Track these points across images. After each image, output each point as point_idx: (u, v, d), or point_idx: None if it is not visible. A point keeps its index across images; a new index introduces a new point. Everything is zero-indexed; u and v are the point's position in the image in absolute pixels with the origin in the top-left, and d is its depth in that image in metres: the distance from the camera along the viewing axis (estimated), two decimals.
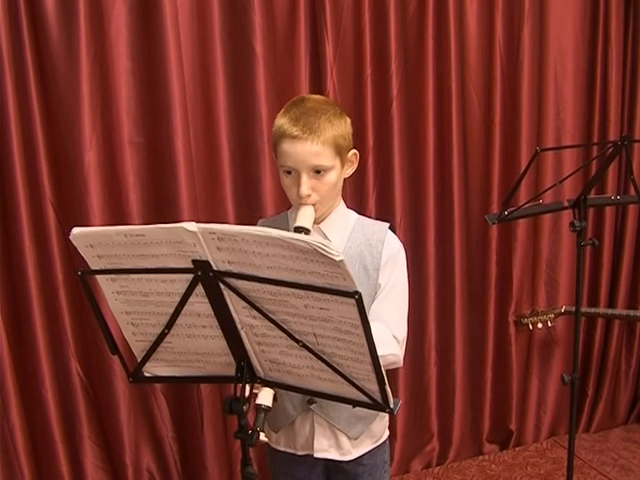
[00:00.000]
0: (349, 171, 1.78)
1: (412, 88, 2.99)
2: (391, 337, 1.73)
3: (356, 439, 1.83)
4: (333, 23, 2.78)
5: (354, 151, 1.77)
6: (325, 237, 1.77)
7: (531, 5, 3.08)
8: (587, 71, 3.28)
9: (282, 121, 1.68)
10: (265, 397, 1.50)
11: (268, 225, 1.81)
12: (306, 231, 1.63)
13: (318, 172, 1.66)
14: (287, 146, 1.65)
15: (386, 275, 1.76)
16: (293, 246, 1.08)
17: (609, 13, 3.20)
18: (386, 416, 1.91)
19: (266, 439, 1.46)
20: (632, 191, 2.45)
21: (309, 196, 1.66)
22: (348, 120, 1.75)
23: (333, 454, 1.83)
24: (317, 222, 1.73)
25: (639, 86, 3.31)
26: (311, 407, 1.78)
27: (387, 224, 1.84)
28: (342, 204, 1.83)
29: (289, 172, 1.68)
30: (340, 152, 1.69)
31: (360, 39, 2.84)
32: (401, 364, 1.79)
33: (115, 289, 1.28)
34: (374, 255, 1.76)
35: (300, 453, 1.85)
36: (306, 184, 1.65)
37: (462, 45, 3.03)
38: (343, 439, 1.82)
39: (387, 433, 1.94)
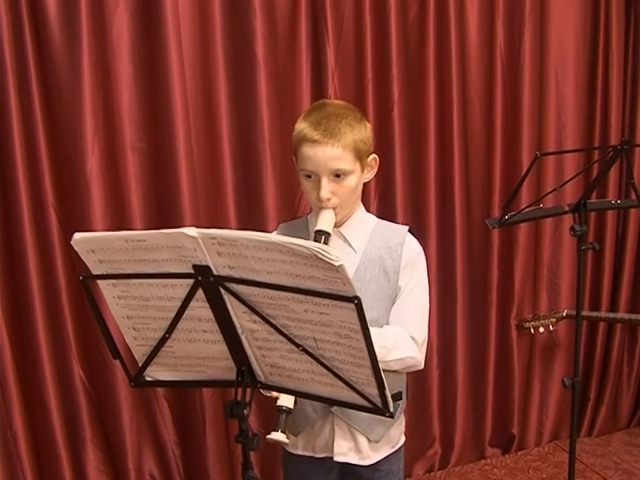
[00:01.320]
0: (369, 176, 1.80)
1: (413, 92, 2.99)
2: (409, 340, 1.73)
3: (377, 442, 1.83)
4: (334, 28, 2.78)
5: (374, 156, 1.78)
6: (345, 240, 1.79)
7: (532, 9, 3.09)
8: (588, 75, 3.28)
9: (302, 125, 1.70)
10: (286, 399, 1.51)
11: (287, 229, 1.85)
12: (327, 235, 1.65)
13: (338, 176, 1.68)
14: (307, 150, 1.67)
15: (406, 278, 1.78)
16: (292, 251, 1.08)
17: (610, 17, 3.20)
18: (403, 421, 1.93)
19: (287, 440, 1.47)
20: (633, 195, 2.45)
21: (329, 200, 1.68)
22: (368, 125, 1.77)
23: (352, 458, 1.84)
24: (337, 226, 1.75)
25: None
26: (332, 410, 1.78)
27: (407, 227, 1.85)
28: (362, 208, 1.85)
29: (309, 176, 1.70)
30: (360, 156, 1.71)
31: (361, 43, 2.85)
32: (421, 366, 1.80)
33: (116, 294, 1.28)
34: (394, 258, 1.77)
35: (319, 456, 1.86)
36: (326, 188, 1.67)
37: (463, 49, 3.04)
38: (363, 443, 1.83)
39: (403, 439, 1.95)
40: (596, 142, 3.30)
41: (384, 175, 2.97)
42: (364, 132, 1.73)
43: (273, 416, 1.58)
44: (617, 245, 3.46)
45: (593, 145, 3.31)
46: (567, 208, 2.45)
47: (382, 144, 2.94)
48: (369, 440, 1.82)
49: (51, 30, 2.44)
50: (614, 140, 3.25)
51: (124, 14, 2.52)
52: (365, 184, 2.86)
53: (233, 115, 2.74)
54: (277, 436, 1.50)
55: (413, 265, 1.80)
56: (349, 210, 1.78)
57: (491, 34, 3.07)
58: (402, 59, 2.92)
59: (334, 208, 1.70)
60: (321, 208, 1.70)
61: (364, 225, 1.84)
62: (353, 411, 1.72)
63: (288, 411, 1.51)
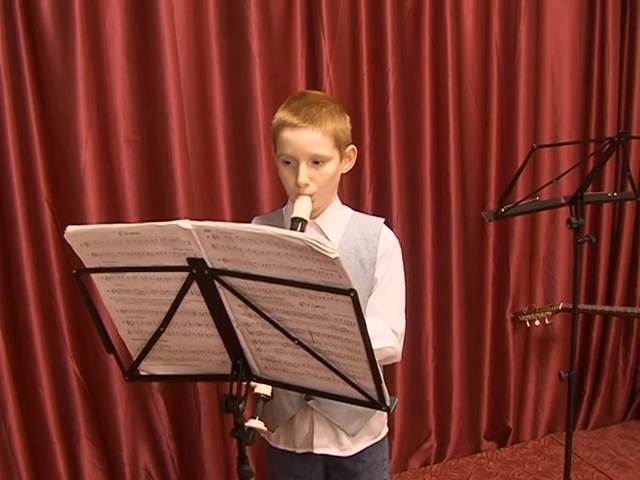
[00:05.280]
0: (347, 167, 1.79)
1: (409, 85, 2.98)
2: (389, 330, 1.73)
3: (354, 435, 1.83)
4: (329, 20, 2.77)
5: (352, 146, 1.78)
6: (321, 232, 1.77)
7: (527, 2, 3.08)
8: (584, 67, 3.28)
9: (283, 113, 1.70)
10: (263, 386, 1.50)
11: (263, 222, 1.82)
12: (303, 222, 1.64)
13: (317, 163, 1.67)
14: (287, 134, 1.66)
15: (382, 269, 1.77)
16: (288, 243, 1.07)
17: (606, 9, 3.20)
18: (384, 413, 1.91)
19: (264, 428, 1.47)
20: (629, 188, 2.45)
21: (307, 185, 1.67)
22: (347, 117, 1.77)
23: (333, 450, 1.83)
24: (313, 217, 1.73)
25: (636, 82, 3.30)
26: (309, 403, 1.78)
27: (382, 219, 1.85)
28: (337, 200, 1.84)
29: (287, 162, 1.69)
30: (339, 145, 1.71)
31: (356, 36, 2.84)
32: (399, 358, 1.79)
33: (110, 287, 1.27)
34: (370, 249, 1.77)
35: (299, 451, 1.85)
36: (304, 172, 1.66)
37: (458, 42, 3.03)
38: (342, 435, 1.82)
39: (386, 430, 1.94)
40: (592, 135, 3.30)
41: (379, 168, 2.97)
42: (344, 122, 1.74)
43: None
44: (613, 238, 3.46)
45: (589, 138, 3.31)
46: (563, 200, 2.44)
47: (377, 137, 2.94)
48: (347, 434, 1.82)
49: (44, 24, 2.43)
50: (610, 133, 3.24)
51: (117, 7, 2.51)
52: (360, 177, 2.91)
53: (228, 108, 2.73)
54: (254, 423, 1.49)
55: (389, 256, 1.79)
56: (326, 200, 1.77)
57: (487, 27, 3.07)
58: (397, 52, 2.91)
59: (311, 195, 1.69)
60: (298, 195, 1.69)
61: (340, 217, 1.83)
62: (330, 405, 1.75)
63: (265, 398, 1.51)
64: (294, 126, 1.65)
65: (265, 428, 1.47)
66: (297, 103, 1.70)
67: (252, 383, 1.50)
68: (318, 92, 1.89)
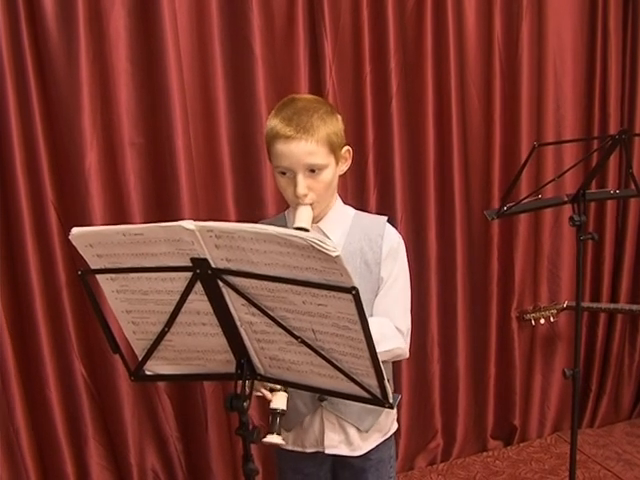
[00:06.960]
0: (343, 168, 1.79)
1: (411, 85, 2.99)
2: (395, 330, 1.74)
3: (367, 431, 1.84)
4: (331, 22, 2.78)
5: (347, 147, 1.77)
6: (324, 235, 1.77)
7: (529, 0, 3.08)
8: (586, 65, 3.28)
9: (274, 122, 1.69)
10: (279, 401, 1.52)
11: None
12: (305, 231, 1.64)
13: (313, 171, 1.67)
14: (281, 147, 1.66)
15: (388, 268, 1.78)
16: (290, 242, 1.09)
17: (608, 6, 3.19)
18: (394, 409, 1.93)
19: (283, 442, 1.48)
20: (632, 185, 2.45)
21: (306, 195, 1.67)
22: (339, 117, 1.76)
23: (343, 450, 1.84)
24: (315, 221, 1.74)
25: (639, 79, 3.30)
26: (322, 404, 1.79)
27: (385, 217, 1.85)
28: (339, 201, 1.84)
29: (284, 173, 1.69)
30: (334, 149, 1.70)
31: (359, 37, 2.84)
32: (407, 355, 1.81)
33: (115, 288, 1.28)
34: (374, 250, 1.77)
35: (309, 451, 1.86)
36: (302, 183, 1.66)
37: (461, 41, 3.03)
38: (353, 434, 1.83)
39: (395, 426, 1.96)
40: (595, 133, 3.29)
41: (383, 168, 2.97)
42: (336, 124, 1.72)
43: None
44: (617, 236, 3.46)
45: (592, 135, 3.31)
46: (566, 198, 2.45)
47: (381, 137, 2.94)
48: (359, 430, 1.83)
49: (48, 28, 2.44)
50: (613, 130, 3.23)
51: (121, 11, 2.52)
52: (364, 177, 2.92)
53: (231, 110, 2.74)
54: (273, 439, 1.51)
55: (394, 255, 1.80)
56: (326, 204, 1.77)
57: (489, 26, 3.07)
58: (400, 52, 2.92)
59: (311, 204, 1.69)
60: (298, 204, 1.69)
61: (342, 218, 1.83)
62: (343, 404, 1.75)
63: (282, 413, 1.52)
64: (287, 138, 1.64)
65: (283, 442, 1.49)
66: (288, 111, 1.68)
67: (268, 396, 1.53)
68: (307, 96, 1.88)
